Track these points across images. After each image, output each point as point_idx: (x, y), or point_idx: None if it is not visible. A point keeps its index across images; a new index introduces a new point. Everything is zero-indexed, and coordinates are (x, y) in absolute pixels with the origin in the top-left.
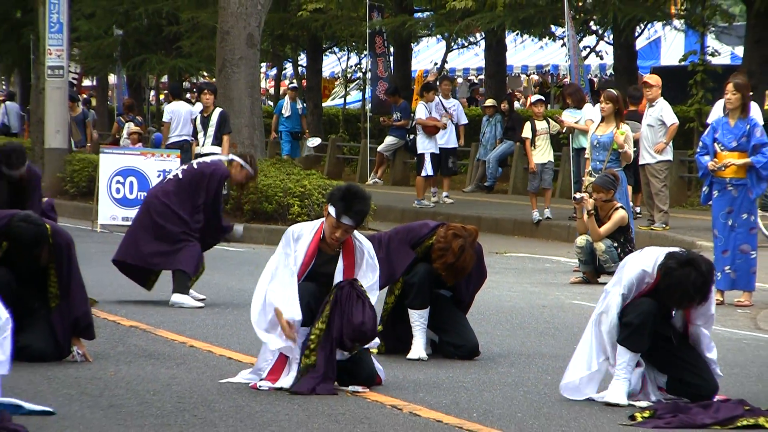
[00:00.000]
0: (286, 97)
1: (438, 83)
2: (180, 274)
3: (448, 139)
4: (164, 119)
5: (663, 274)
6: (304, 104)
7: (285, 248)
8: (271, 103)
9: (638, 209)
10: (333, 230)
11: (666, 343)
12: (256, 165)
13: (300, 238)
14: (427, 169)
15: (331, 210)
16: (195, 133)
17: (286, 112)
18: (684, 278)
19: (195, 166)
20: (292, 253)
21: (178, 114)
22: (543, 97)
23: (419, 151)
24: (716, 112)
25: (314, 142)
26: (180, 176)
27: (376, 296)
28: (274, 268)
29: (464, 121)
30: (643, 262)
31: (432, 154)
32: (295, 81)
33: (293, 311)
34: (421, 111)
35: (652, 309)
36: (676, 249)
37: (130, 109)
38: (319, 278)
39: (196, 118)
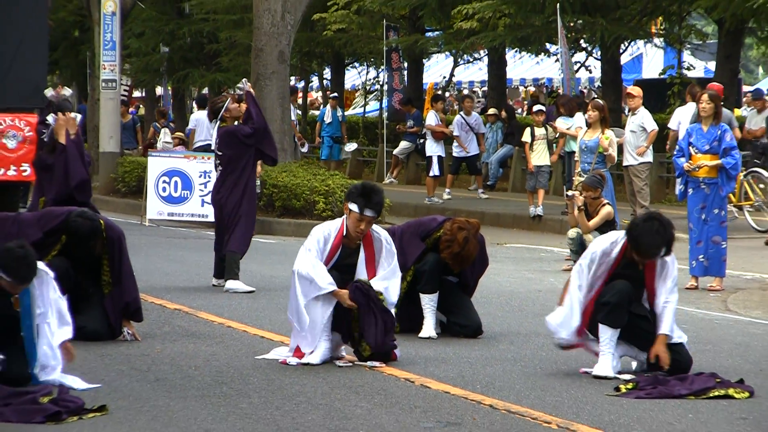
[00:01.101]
0: (328, 106)
1: (462, 101)
2: (230, 257)
3: (470, 147)
4: (189, 126)
5: (629, 229)
6: (344, 112)
7: (315, 245)
8: (299, 112)
9: None
10: (357, 224)
11: (643, 322)
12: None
13: (328, 237)
14: (434, 170)
15: (353, 207)
16: None
17: (327, 119)
18: (649, 228)
19: (217, 138)
20: (320, 248)
21: (202, 122)
22: (543, 107)
23: (428, 154)
24: (676, 117)
25: (351, 147)
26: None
27: (399, 277)
28: (308, 264)
29: (482, 130)
30: (607, 238)
31: (439, 157)
32: (320, 92)
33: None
34: (431, 118)
35: (627, 288)
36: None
37: (163, 116)
38: (343, 269)
39: None
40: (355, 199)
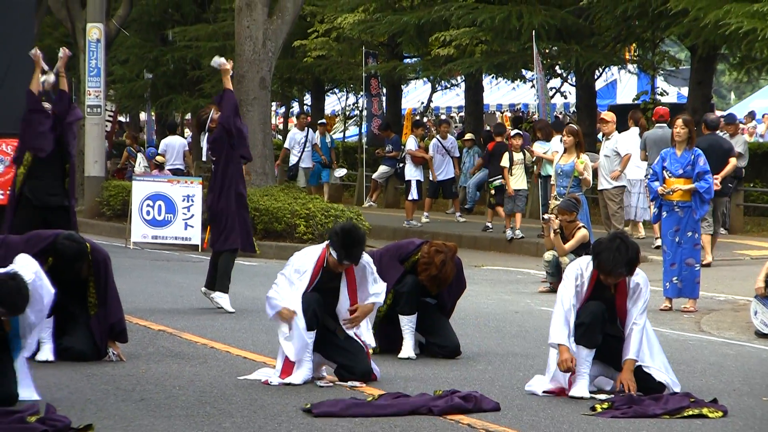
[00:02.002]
0: (317, 132)
1: (438, 126)
2: (224, 261)
3: (446, 171)
4: (160, 150)
5: (594, 248)
6: (333, 138)
7: (290, 276)
8: (280, 137)
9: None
10: (337, 266)
11: (618, 342)
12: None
13: (304, 267)
14: (413, 194)
15: (333, 254)
16: None
17: None
18: (611, 246)
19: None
20: (296, 281)
21: (172, 146)
22: (521, 132)
23: (407, 178)
24: (624, 143)
25: (341, 172)
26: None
27: (382, 298)
28: (282, 283)
29: (457, 154)
30: (578, 262)
31: (417, 181)
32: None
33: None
34: (411, 143)
35: (600, 309)
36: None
37: (135, 140)
38: (325, 292)
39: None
40: (336, 248)
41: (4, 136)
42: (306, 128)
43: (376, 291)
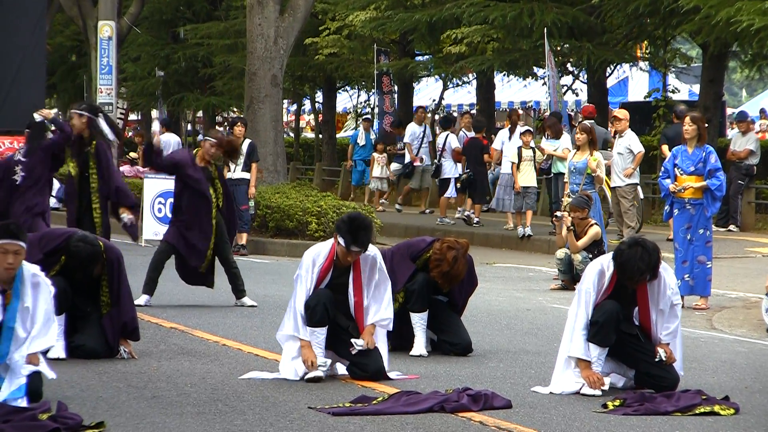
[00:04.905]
0: (361, 128)
1: (460, 117)
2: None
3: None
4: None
5: (614, 255)
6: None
7: (306, 273)
8: (292, 135)
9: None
10: (345, 255)
11: (633, 340)
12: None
13: (317, 260)
14: (452, 191)
15: (341, 241)
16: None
17: (361, 141)
18: (633, 254)
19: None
20: (311, 276)
21: (168, 143)
22: (531, 128)
23: (445, 176)
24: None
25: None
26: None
27: (389, 298)
28: (299, 293)
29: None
30: (600, 261)
31: (455, 179)
32: (312, 115)
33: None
34: (454, 140)
35: (615, 308)
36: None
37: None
38: (336, 288)
39: None
40: (343, 234)
41: (15, 133)
42: (423, 123)
43: (384, 317)
